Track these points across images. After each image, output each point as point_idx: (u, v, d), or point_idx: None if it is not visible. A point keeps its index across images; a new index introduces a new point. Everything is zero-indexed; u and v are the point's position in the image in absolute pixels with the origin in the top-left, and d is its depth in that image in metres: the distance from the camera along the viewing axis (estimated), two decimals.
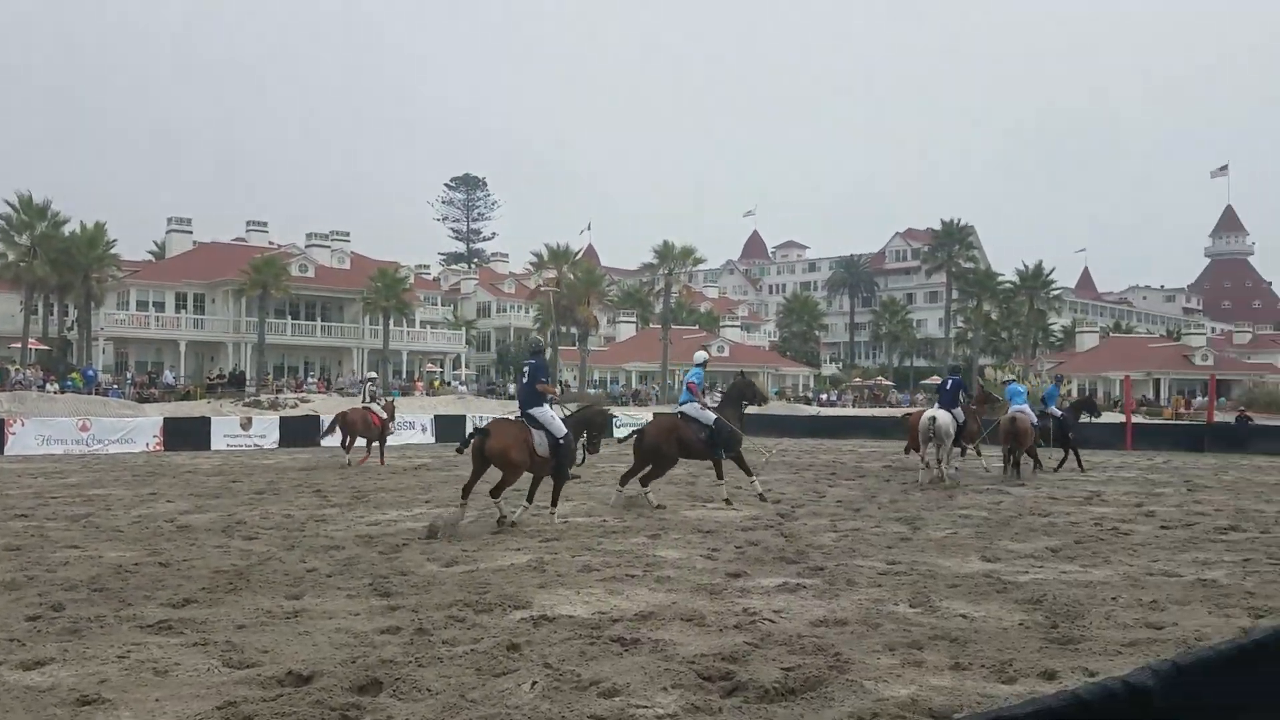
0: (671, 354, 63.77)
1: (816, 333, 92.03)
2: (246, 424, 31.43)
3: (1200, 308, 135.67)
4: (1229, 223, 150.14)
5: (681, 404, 14.74)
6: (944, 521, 12.43)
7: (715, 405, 14.21)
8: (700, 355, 15.56)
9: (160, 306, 56.25)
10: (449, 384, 62.69)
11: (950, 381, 19.20)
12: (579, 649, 5.93)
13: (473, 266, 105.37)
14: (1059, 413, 22.65)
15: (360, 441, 22.88)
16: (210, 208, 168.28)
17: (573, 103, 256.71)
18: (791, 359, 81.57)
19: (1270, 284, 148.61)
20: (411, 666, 5.57)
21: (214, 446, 29.26)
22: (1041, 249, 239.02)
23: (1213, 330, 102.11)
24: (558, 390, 15.20)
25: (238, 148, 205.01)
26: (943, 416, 17.95)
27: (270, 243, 64.01)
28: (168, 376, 50.76)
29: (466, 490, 11.76)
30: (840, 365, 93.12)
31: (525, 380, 12.24)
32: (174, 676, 5.47)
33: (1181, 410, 57.19)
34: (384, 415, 23.15)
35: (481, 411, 40.64)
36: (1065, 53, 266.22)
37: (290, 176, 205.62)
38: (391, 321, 58.58)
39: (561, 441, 11.76)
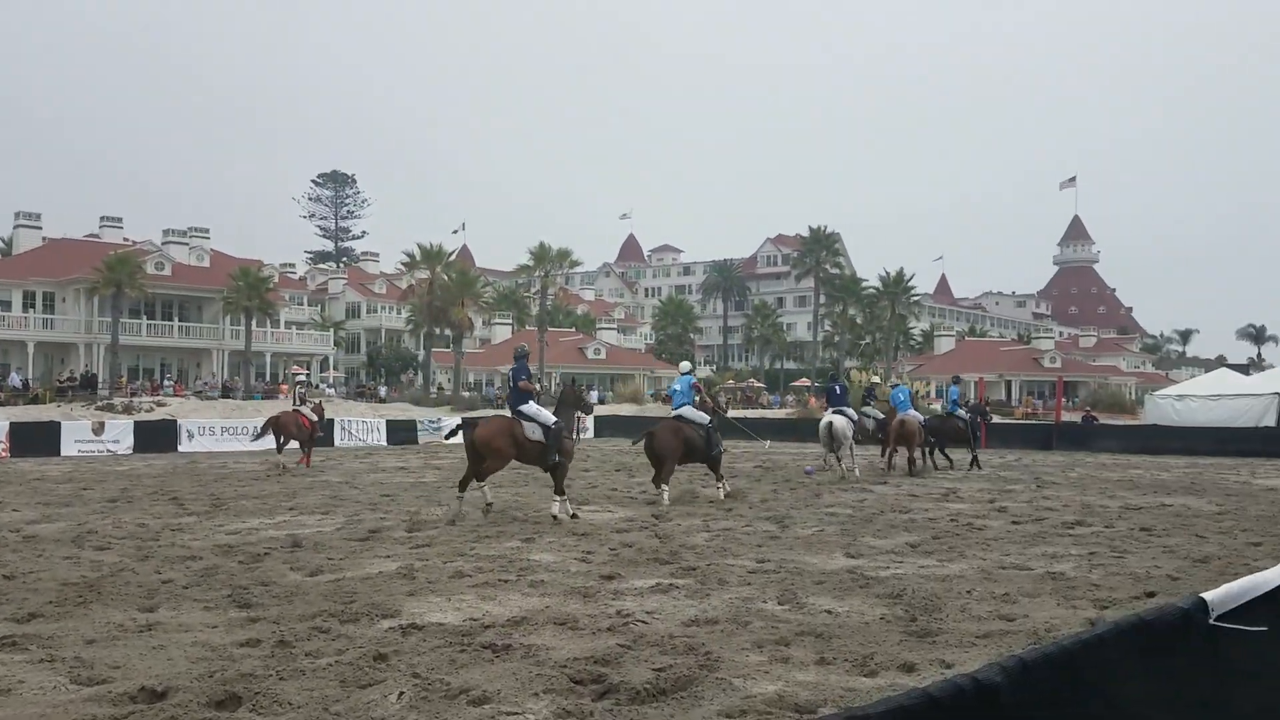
0: (548, 356, 63.54)
1: (691, 335, 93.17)
2: (99, 428, 29.93)
3: (1049, 313, 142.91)
4: (1076, 232, 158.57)
5: (678, 408, 15.57)
6: (811, 520, 12.74)
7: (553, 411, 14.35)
8: (685, 365, 17.21)
9: (6, 305, 53.07)
10: (316, 386, 61.01)
11: (839, 386, 20.45)
12: (449, 657, 5.85)
13: (341, 266, 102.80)
14: (965, 414, 24.05)
15: (294, 445, 22.77)
16: (61, 203, 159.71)
17: (447, 102, 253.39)
18: (667, 361, 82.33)
19: (1114, 290, 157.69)
20: (272, 680, 5.39)
21: (64, 452, 27.75)
22: (903, 256, 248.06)
23: (1060, 334, 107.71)
24: (538, 387, 17.38)
25: (90, 140, 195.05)
26: (839, 420, 19.18)
27: (125, 239, 61.06)
28: (14, 379, 47.82)
29: (463, 484, 12.94)
30: (714, 368, 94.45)
31: (510, 382, 13.97)
32: (18, 695, 5.16)
33: (1030, 411, 60.03)
34: (313, 418, 23.09)
35: (350, 415, 39.66)
36: (922, 68, 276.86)
37: (147, 171, 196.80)
38: (254, 322, 56.58)
39: (552, 428, 12.98)
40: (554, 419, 13.10)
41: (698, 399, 15.83)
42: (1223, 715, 2.57)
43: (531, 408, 13.18)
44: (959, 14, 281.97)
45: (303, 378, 38.55)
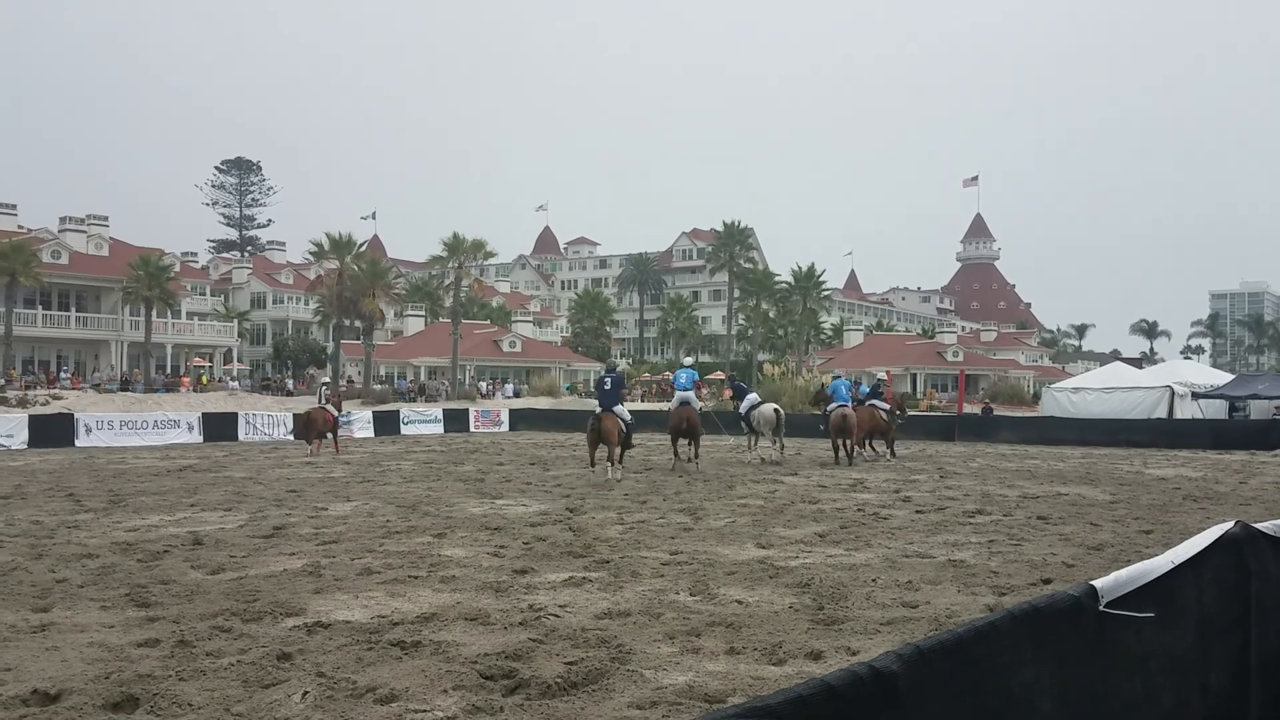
0: (462, 348, 62.89)
1: (608, 328, 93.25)
2: None
3: (952, 308, 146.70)
4: (978, 229, 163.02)
5: (683, 390, 20.01)
6: (723, 511, 12.87)
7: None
8: (689, 359, 22.12)
9: None
10: (220, 380, 59.39)
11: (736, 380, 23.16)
12: (356, 655, 5.75)
13: (246, 255, 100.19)
14: (886, 407, 24.78)
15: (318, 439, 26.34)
16: None
17: (359, 89, 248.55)
18: (583, 354, 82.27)
19: (1014, 286, 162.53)
20: (171, 681, 5.24)
21: None
22: (814, 252, 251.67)
23: (963, 329, 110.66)
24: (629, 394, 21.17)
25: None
26: (769, 409, 22.04)
27: (20, 227, 58.56)
28: None
29: (592, 461, 17.97)
30: (630, 360, 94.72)
31: (609, 388, 18.17)
32: None
33: (934, 402, 61.56)
34: (335, 412, 26.88)
35: (256, 409, 38.70)
36: (835, 68, 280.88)
37: (43, 156, 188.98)
38: (155, 313, 54.82)
39: (631, 422, 18.40)
40: (630, 418, 18.36)
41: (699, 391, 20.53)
42: (1112, 699, 2.67)
43: (622, 410, 18.07)
44: (869, 17, 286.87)
45: (327, 379, 45.45)
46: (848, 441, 21.89)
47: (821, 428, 23.73)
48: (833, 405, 22.33)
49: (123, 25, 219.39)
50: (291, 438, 33.58)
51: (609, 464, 17.48)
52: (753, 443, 22.59)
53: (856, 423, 21.88)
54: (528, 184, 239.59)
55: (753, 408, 22.17)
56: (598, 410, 17.87)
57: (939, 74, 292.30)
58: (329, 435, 26.50)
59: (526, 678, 5.26)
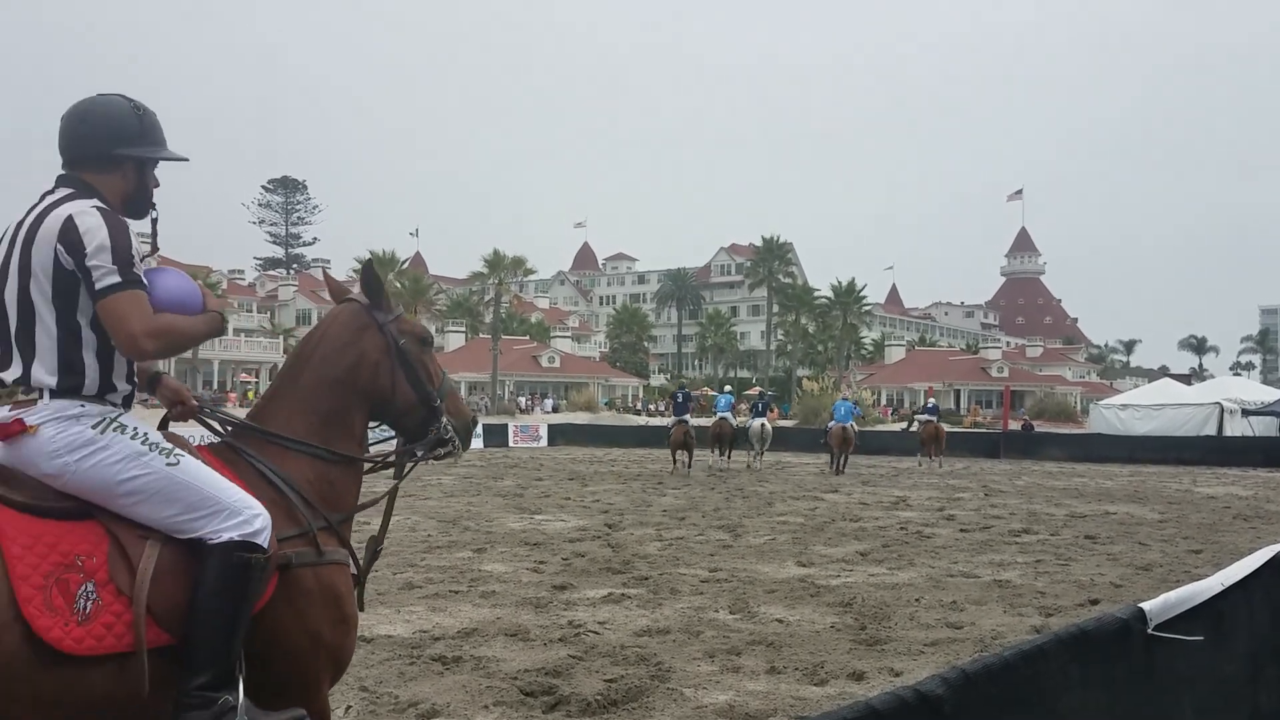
0: (501, 364, 63.29)
1: (645, 344, 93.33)
2: None
3: (997, 323, 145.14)
4: (1023, 243, 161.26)
5: (722, 411, 25.55)
6: (763, 528, 12.81)
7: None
8: (728, 388, 29.95)
9: None
10: None
11: (683, 394, 26.02)
12: (398, 670, 5.79)
13: (292, 273, 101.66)
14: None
15: None
16: None
17: (401, 108, 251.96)
18: (621, 369, 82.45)
19: (1060, 301, 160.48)
20: None
21: None
22: (854, 267, 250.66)
23: (1008, 344, 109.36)
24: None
25: (29, 140, 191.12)
26: (767, 425, 26.27)
27: None
28: None
29: (675, 459, 23.53)
30: (668, 376, 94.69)
31: (682, 401, 24.27)
32: None
33: (978, 419, 60.89)
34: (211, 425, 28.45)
35: None
36: (875, 82, 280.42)
37: None
38: None
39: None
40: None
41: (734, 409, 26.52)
42: None
43: (688, 419, 23.67)
44: (909, 30, 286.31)
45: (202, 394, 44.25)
46: (845, 453, 24.72)
47: (822, 441, 27.09)
48: (832, 422, 25.25)
49: (169, 47, 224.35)
50: None
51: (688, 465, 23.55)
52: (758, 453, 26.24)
53: (851, 438, 24.79)
54: (567, 201, 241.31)
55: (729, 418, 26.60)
56: (676, 420, 23.70)
57: (983, 87, 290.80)
58: None
59: (566, 694, 5.26)
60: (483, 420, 34.35)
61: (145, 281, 2.64)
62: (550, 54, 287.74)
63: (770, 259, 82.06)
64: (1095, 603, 7.84)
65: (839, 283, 76.57)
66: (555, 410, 63.08)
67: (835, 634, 6.79)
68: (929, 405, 28.56)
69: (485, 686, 5.41)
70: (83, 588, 2.38)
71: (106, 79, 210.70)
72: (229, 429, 3.04)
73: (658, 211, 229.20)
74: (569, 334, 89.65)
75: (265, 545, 2.60)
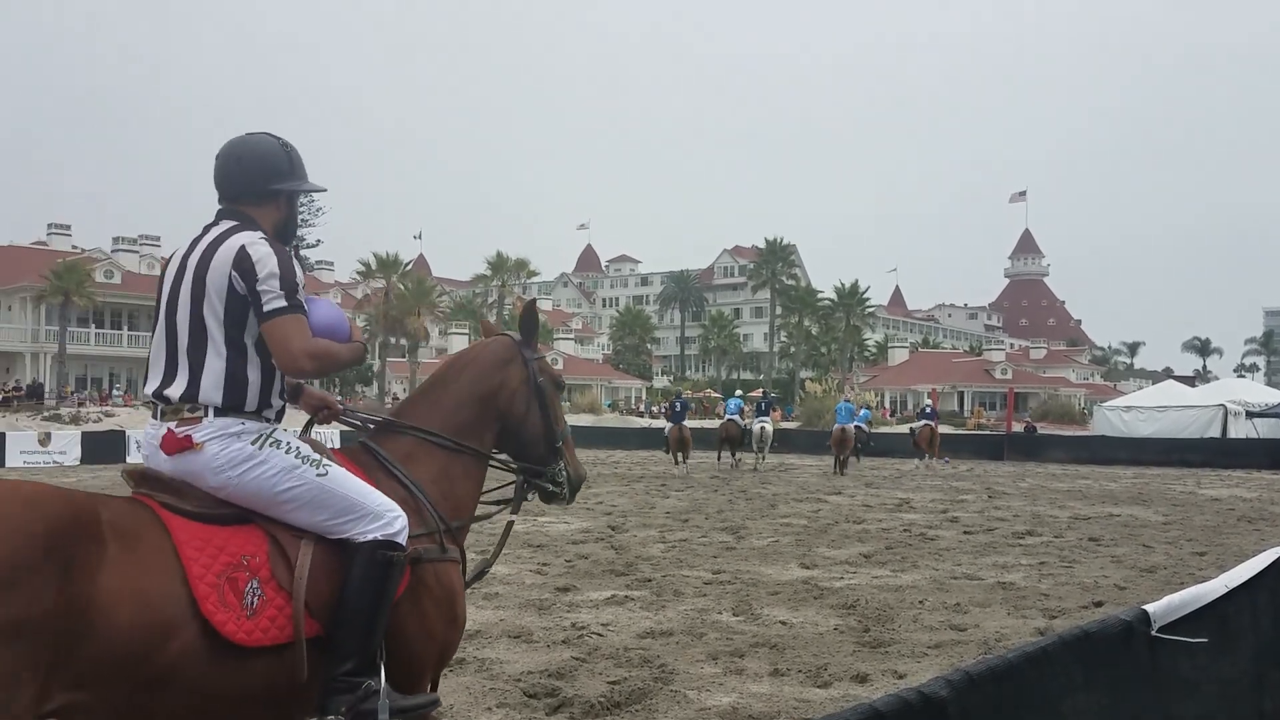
0: None
1: (649, 346, 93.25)
2: (45, 439, 29.28)
3: (1000, 325, 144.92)
4: (1026, 245, 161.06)
5: (731, 414, 26.85)
6: (766, 530, 12.80)
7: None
8: (739, 392, 28.24)
9: None
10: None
11: (681, 403, 27.57)
12: None
13: None
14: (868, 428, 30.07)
15: None
16: (7, 209, 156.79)
17: (404, 111, 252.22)
18: (624, 371, 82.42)
19: (1064, 302, 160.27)
20: None
21: (9, 464, 27.06)
22: (857, 268, 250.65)
23: (1011, 346, 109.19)
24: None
25: (38, 145, 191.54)
26: (768, 426, 26.97)
27: (74, 247, 59.98)
28: None
29: (674, 458, 24.60)
30: (671, 378, 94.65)
31: (680, 410, 26.03)
32: None
33: (981, 421, 60.79)
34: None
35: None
36: (876, 84, 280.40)
37: (97, 178, 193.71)
38: None
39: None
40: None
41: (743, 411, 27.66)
42: None
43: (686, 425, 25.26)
44: (912, 31, 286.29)
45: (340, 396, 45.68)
46: (844, 454, 25.42)
47: (827, 444, 27.80)
48: (835, 425, 26.22)
49: (174, 51, 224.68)
50: None
51: (685, 460, 24.80)
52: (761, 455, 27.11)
53: (849, 439, 25.70)
54: (570, 203, 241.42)
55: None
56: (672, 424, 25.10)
57: (986, 89, 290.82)
58: None
59: (570, 696, 5.26)
60: None
61: (306, 308, 2.89)
62: (552, 56, 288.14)
63: (773, 261, 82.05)
64: (1099, 605, 7.83)
65: (842, 284, 76.53)
66: None
67: (839, 636, 6.79)
68: (926, 410, 29.54)
69: (489, 688, 5.41)
70: (250, 585, 2.62)
71: (107, 79, 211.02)
72: (371, 427, 3.36)
73: (661, 213, 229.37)
74: (572, 336, 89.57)
75: (404, 544, 2.87)
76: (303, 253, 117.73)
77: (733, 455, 26.84)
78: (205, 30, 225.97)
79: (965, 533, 12.76)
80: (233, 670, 2.56)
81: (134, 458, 29.72)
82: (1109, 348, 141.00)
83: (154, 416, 2.83)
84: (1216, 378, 72.85)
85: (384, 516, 2.84)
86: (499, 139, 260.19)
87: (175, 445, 2.74)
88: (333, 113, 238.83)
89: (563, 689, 5.40)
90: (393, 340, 60.80)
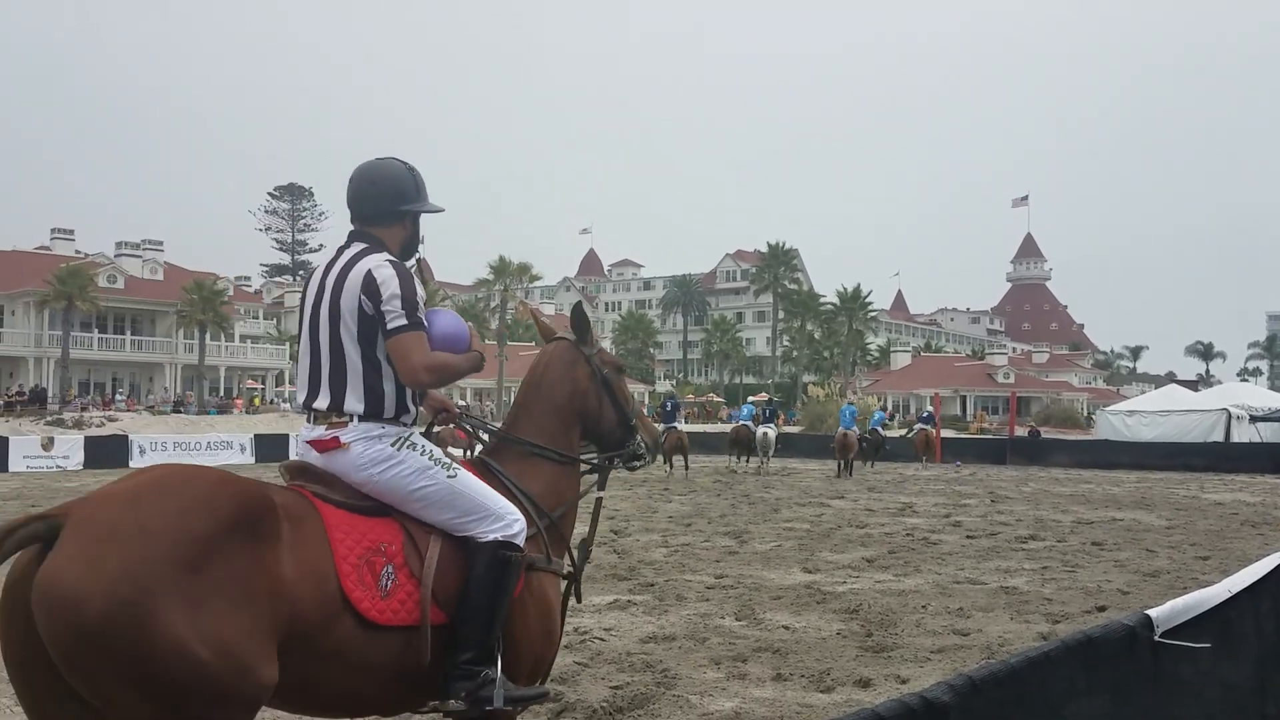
0: (507, 371, 63.28)
1: (651, 350, 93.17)
2: (48, 444, 29.31)
3: (1003, 329, 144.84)
4: (1028, 249, 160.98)
5: (744, 419, 28.47)
6: (769, 534, 12.79)
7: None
8: (753, 398, 31.09)
9: None
10: (272, 401, 60.28)
11: (671, 404, 28.68)
12: None
13: (298, 279, 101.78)
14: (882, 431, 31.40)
15: (454, 451, 31.94)
16: (10, 214, 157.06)
17: (405, 114, 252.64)
18: (627, 376, 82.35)
19: (1066, 307, 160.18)
20: None
21: (12, 468, 27.11)
22: (860, 273, 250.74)
23: (1014, 350, 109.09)
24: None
25: (41, 150, 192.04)
26: (771, 431, 27.74)
27: (77, 252, 60.01)
28: None
29: (669, 463, 24.75)
30: (674, 382, 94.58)
31: (670, 410, 26.69)
32: None
33: (984, 425, 60.71)
34: (468, 429, 31.61)
35: None
36: (877, 89, 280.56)
37: (100, 183, 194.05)
38: (208, 336, 55.84)
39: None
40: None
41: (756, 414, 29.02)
42: None
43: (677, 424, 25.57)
44: (911, 33, 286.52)
45: (464, 404, 47.39)
46: (847, 458, 25.98)
47: (831, 447, 28.36)
48: (839, 429, 27.22)
49: (177, 56, 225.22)
50: None
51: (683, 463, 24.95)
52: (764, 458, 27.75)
53: (853, 443, 26.49)
54: (572, 207, 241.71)
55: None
56: (666, 427, 23.42)
57: (988, 92, 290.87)
58: (465, 451, 29.71)
59: (572, 701, 5.26)
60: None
61: (426, 324, 3.16)
62: (555, 60, 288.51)
63: (776, 265, 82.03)
64: (1102, 610, 7.82)
65: (844, 289, 76.53)
66: None
67: (842, 641, 6.78)
68: (925, 414, 31.43)
69: None
70: (385, 569, 2.89)
71: (110, 82, 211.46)
72: (473, 430, 3.84)
73: (663, 218, 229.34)
74: None
75: (522, 545, 3.15)
76: (304, 256, 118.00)
77: (744, 459, 28.13)
78: (208, 33, 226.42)
79: (968, 537, 12.74)
80: (367, 644, 2.80)
81: (136, 461, 29.75)
82: (1112, 352, 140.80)
83: (307, 421, 3.17)
84: (1220, 382, 72.76)
85: (504, 518, 3.12)
86: (501, 143, 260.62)
87: (325, 445, 3.07)
88: (334, 115, 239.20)
89: (565, 694, 5.39)
90: None
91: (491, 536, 3.07)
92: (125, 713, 2.40)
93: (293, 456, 3.26)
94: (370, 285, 3.05)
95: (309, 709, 2.97)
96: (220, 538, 2.52)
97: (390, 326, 3.05)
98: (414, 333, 3.07)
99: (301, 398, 3.20)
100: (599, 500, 3.86)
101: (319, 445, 3.08)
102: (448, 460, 3.18)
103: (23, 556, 2.46)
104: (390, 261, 3.13)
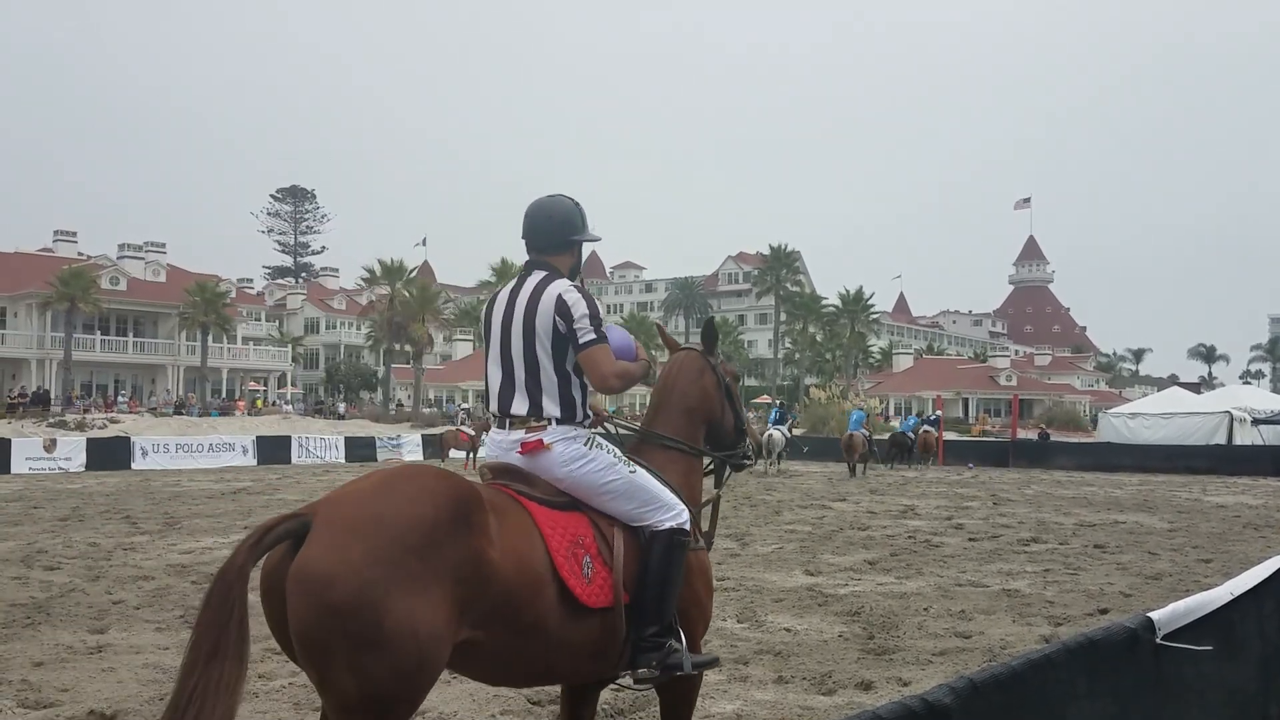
0: None
1: (653, 352, 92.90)
2: (51, 446, 29.33)
3: (1005, 331, 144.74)
4: (1031, 252, 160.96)
5: (776, 424, 29.06)
6: (771, 537, 12.78)
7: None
8: (766, 398, 30.35)
9: None
10: (274, 403, 60.30)
11: (777, 410, 30.65)
12: None
13: (300, 281, 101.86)
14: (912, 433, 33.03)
15: (456, 454, 30.15)
16: (13, 216, 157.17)
17: (408, 117, 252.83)
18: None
19: (1068, 309, 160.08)
20: None
21: (14, 470, 27.13)
22: (862, 275, 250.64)
23: (1016, 353, 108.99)
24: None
25: (44, 152, 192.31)
26: (778, 434, 28.30)
27: (79, 254, 60.01)
28: None
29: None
30: None
31: (779, 417, 28.52)
32: None
33: (986, 428, 60.64)
34: (471, 432, 29.92)
35: (308, 432, 39.27)
36: (880, 90, 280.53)
37: (103, 185, 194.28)
38: (211, 338, 55.88)
39: None
40: None
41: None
42: None
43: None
44: (913, 36, 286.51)
45: (466, 406, 52.04)
46: (853, 459, 27.33)
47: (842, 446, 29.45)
48: (847, 431, 28.52)
49: (179, 56, 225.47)
50: (344, 460, 34.06)
51: None
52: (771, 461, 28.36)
53: (859, 444, 27.90)
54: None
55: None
56: None
57: (991, 95, 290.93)
58: (468, 454, 29.45)
59: None
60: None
61: (607, 337, 3.56)
62: (555, 62, 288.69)
63: (778, 267, 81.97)
64: (1104, 612, 7.81)
65: (847, 291, 76.48)
66: None
67: (843, 643, 6.78)
68: (930, 417, 32.73)
69: (492, 695, 5.41)
70: (584, 559, 3.26)
71: (113, 84, 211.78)
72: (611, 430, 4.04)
73: (665, 220, 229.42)
74: None
75: (690, 531, 3.54)
76: (306, 259, 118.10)
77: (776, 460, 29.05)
78: (209, 34, 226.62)
79: (970, 540, 12.73)
80: (576, 624, 3.17)
81: (138, 463, 29.76)
82: (1114, 354, 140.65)
83: (500, 427, 3.54)
84: (1222, 384, 72.73)
85: (675, 508, 3.52)
86: (502, 145, 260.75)
87: (530, 447, 3.43)
88: (336, 118, 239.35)
89: None
90: (397, 347, 60.80)
91: (667, 524, 3.45)
92: (334, 686, 2.72)
93: (489, 459, 3.60)
94: (563, 307, 3.46)
95: (506, 681, 3.41)
96: (441, 527, 2.86)
97: (582, 341, 3.46)
98: (602, 345, 3.49)
99: (495, 405, 3.57)
100: (718, 496, 4.13)
101: (524, 446, 3.45)
102: (626, 457, 3.58)
103: (275, 553, 2.83)
104: (575, 286, 3.58)
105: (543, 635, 3.09)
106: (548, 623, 3.09)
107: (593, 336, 3.47)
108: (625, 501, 3.45)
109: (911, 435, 33.09)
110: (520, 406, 3.49)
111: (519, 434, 3.46)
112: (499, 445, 3.54)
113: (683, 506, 3.57)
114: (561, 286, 3.53)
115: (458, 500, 2.95)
